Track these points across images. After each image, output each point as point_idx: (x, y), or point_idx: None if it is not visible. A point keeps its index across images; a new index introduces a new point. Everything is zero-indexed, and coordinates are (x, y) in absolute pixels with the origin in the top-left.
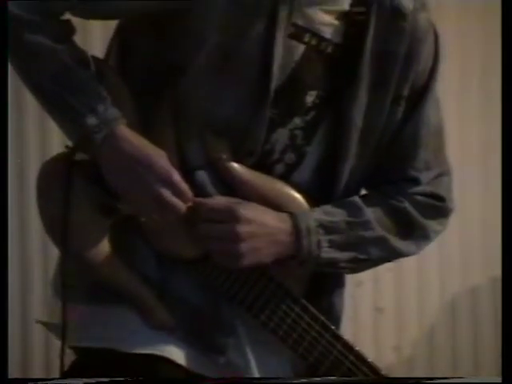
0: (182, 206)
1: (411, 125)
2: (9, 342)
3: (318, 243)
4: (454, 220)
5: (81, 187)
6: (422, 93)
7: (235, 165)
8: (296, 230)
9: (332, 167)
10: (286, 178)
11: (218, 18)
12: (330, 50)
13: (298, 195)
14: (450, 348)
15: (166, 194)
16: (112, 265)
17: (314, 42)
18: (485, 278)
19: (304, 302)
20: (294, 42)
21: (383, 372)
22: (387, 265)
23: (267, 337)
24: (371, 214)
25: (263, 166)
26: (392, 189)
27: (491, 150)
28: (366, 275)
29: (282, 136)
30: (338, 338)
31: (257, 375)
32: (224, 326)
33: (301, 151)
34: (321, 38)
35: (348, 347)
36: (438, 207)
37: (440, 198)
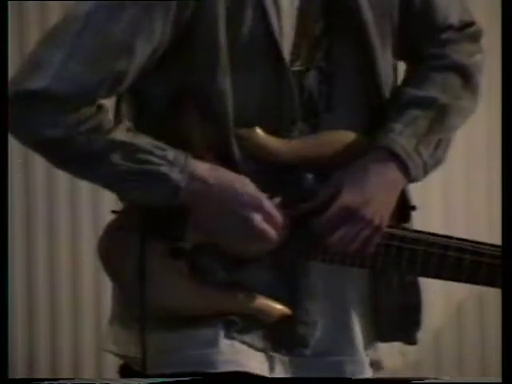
0: (274, 233)
1: None
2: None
3: (420, 157)
4: (460, 222)
5: (146, 241)
6: None
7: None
8: (396, 163)
9: (368, 74)
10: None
11: (219, 13)
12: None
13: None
14: (455, 352)
15: (258, 220)
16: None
17: None
18: None
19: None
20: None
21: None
22: None
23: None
24: (436, 92)
25: (310, 111)
26: (433, 51)
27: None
28: None
29: (312, 77)
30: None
31: (343, 354)
32: (304, 317)
33: (331, 78)
34: None
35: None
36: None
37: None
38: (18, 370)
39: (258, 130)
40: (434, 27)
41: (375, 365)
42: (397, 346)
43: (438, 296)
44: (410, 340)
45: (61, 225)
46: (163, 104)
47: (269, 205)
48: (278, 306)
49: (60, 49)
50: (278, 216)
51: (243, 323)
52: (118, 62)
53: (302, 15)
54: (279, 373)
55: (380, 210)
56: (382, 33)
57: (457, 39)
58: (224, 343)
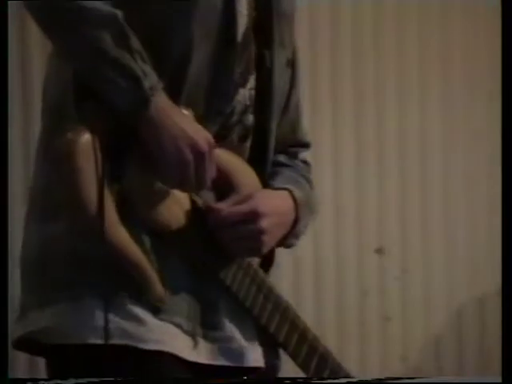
0: (193, 184)
1: (296, 91)
2: None
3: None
4: (460, 229)
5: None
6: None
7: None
8: (295, 205)
9: (263, 127)
10: (244, 140)
11: None
12: (250, 10)
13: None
14: (456, 357)
15: (208, 154)
16: (118, 231)
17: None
18: (492, 286)
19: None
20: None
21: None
22: (394, 274)
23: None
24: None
25: (224, 127)
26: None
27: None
28: (373, 285)
29: (242, 97)
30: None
31: (242, 340)
32: (212, 304)
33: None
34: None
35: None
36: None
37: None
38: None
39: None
40: (296, 138)
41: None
42: (398, 351)
43: (439, 302)
44: None
45: None
46: None
47: (211, 158)
48: (160, 290)
49: None
50: (211, 171)
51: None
52: None
53: (248, 27)
54: (193, 355)
55: (274, 229)
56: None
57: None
58: (154, 322)
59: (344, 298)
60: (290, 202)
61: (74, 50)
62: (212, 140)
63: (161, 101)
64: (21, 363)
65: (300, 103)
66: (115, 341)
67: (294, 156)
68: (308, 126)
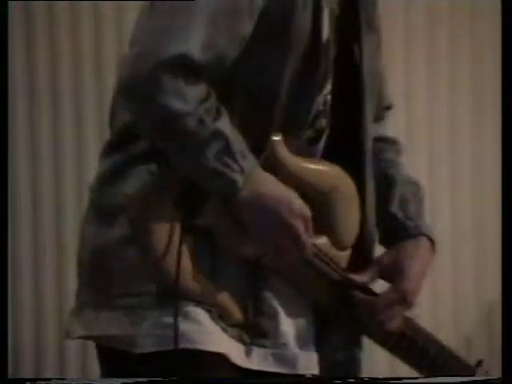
0: (306, 251)
1: (379, 62)
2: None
3: None
4: (491, 228)
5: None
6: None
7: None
8: (432, 246)
9: (356, 124)
10: (314, 143)
11: None
12: (336, 7)
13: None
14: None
15: (302, 229)
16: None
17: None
18: None
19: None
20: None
21: None
22: None
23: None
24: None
25: (298, 132)
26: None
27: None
28: None
29: (318, 103)
30: None
31: (295, 348)
32: (266, 311)
33: (328, 115)
34: None
35: None
36: None
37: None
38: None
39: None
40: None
41: None
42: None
43: (469, 301)
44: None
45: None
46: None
47: (311, 224)
48: (237, 313)
49: (193, 15)
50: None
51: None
52: (243, 26)
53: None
54: (245, 361)
55: (418, 293)
56: (372, 88)
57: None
58: (210, 324)
59: None
60: (428, 249)
61: (174, 161)
62: (308, 212)
63: (255, 182)
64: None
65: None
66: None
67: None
68: None
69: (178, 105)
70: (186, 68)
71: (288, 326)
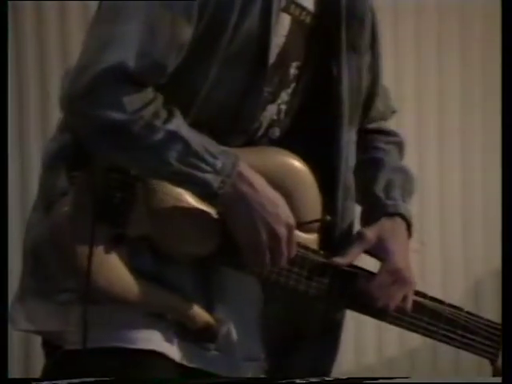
0: (285, 259)
1: (375, 77)
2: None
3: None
4: (477, 200)
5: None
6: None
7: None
8: (409, 226)
9: (332, 135)
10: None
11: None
12: (308, 20)
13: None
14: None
15: (284, 235)
16: (137, 289)
17: (297, 12)
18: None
19: None
20: (281, 15)
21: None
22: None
23: (249, 318)
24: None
25: (249, 142)
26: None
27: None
28: None
29: (270, 112)
30: None
31: (240, 357)
32: (215, 314)
33: (284, 125)
34: (302, 9)
35: None
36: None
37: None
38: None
39: None
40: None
41: None
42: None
43: (457, 277)
44: None
45: None
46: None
47: (294, 234)
48: (205, 316)
49: (129, 24)
50: (290, 252)
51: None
52: (182, 32)
53: (286, 46)
54: (184, 361)
55: (411, 270)
56: (354, 104)
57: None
58: (144, 323)
59: None
60: (404, 229)
61: (136, 165)
62: (292, 221)
63: (237, 183)
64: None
65: (381, 81)
66: (104, 344)
67: (385, 134)
68: None
69: (115, 115)
70: (122, 77)
71: (233, 329)
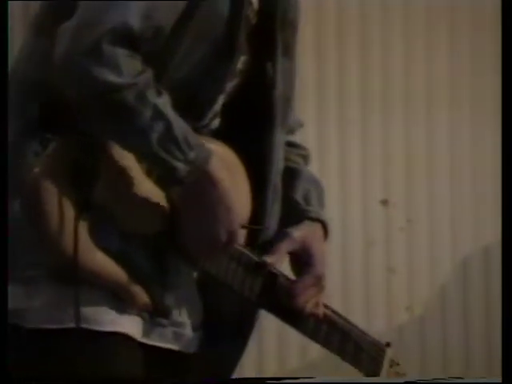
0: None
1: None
2: None
3: None
4: (467, 178)
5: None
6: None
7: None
8: (326, 233)
9: (265, 136)
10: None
11: None
12: (252, 16)
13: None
14: (461, 308)
15: (235, 224)
16: (92, 255)
17: (248, 8)
18: (496, 236)
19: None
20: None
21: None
22: (399, 225)
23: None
24: None
25: (194, 129)
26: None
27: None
28: (378, 235)
29: (218, 103)
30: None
31: (190, 331)
32: (170, 289)
33: (222, 118)
34: (250, 3)
35: None
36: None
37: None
38: None
39: None
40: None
41: None
42: (403, 301)
43: (444, 252)
44: None
45: None
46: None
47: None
48: (143, 298)
49: None
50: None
51: None
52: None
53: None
54: (144, 338)
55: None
56: (285, 107)
57: None
58: (108, 303)
59: (349, 249)
60: (323, 237)
61: (119, 139)
62: (237, 230)
63: (202, 179)
64: None
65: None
66: (67, 325)
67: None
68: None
69: (113, 77)
70: (125, 38)
71: (186, 307)
